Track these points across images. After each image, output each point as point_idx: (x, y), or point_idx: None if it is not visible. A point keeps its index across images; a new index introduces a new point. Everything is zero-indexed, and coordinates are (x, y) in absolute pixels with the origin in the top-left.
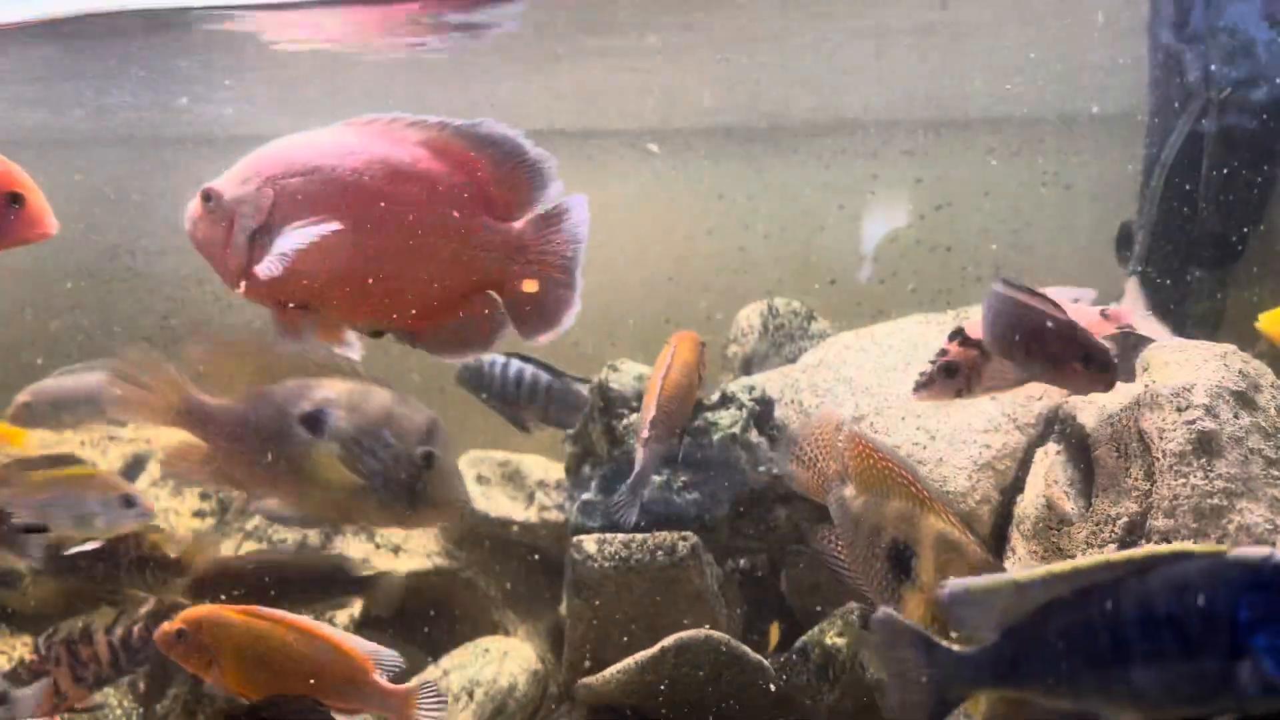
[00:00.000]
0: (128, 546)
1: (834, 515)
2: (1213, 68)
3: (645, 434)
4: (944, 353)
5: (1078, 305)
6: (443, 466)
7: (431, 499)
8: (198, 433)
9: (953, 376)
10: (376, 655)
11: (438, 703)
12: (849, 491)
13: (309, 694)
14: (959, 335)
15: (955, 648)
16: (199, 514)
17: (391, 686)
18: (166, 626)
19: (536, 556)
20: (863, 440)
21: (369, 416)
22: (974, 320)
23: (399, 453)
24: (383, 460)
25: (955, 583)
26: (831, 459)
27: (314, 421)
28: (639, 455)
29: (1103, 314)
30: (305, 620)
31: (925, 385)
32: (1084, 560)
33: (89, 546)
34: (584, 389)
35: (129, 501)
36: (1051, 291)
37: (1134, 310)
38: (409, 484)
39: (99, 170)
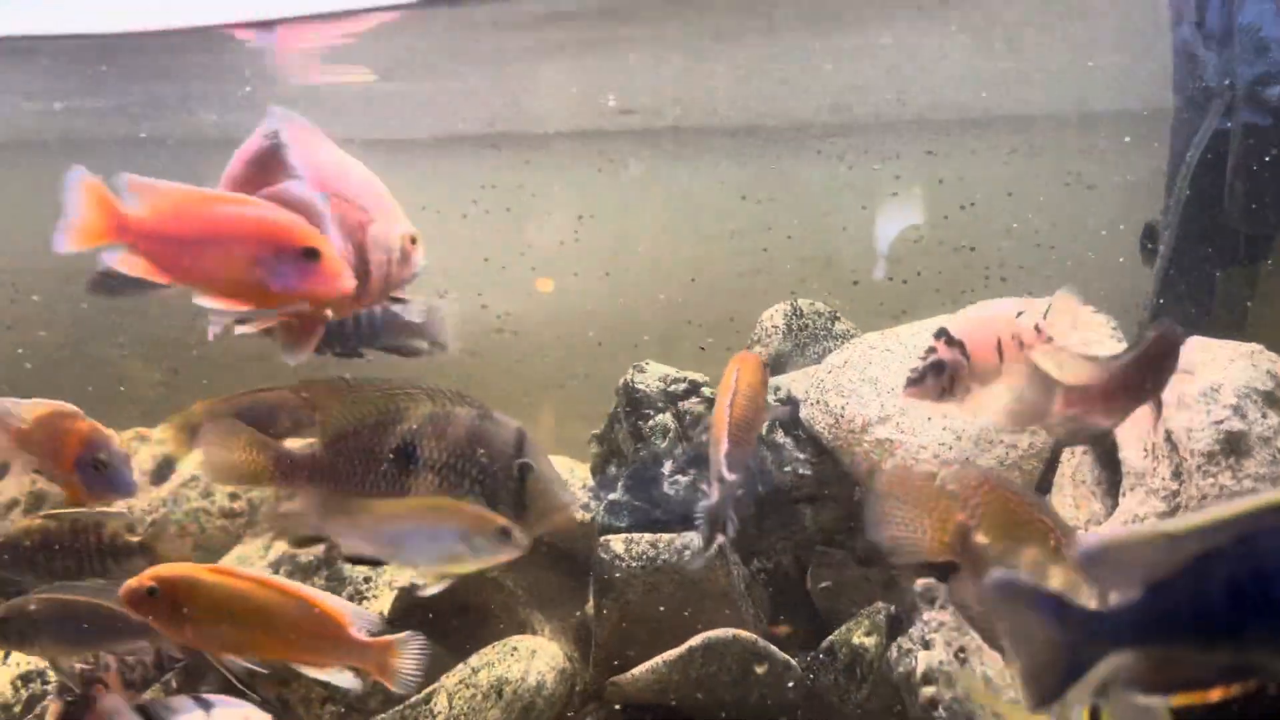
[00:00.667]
0: (89, 537)
1: (965, 567)
2: (1236, 65)
3: (725, 474)
4: (932, 350)
5: (1021, 318)
6: (540, 475)
7: (536, 510)
8: (297, 488)
9: (940, 375)
10: (353, 613)
11: (420, 653)
12: (981, 539)
13: (283, 650)
14: (944, 334)
15: (1090, 606)
16: (228, 514)
17: (368, 639)
18: (135, 583)
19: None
20: (994, 482)
21: (457, 440)
22: (960, 319)
23: (495, 471)
24: (480, 482)
25: (1089, 539)
26: (936, 509)
27: (404, 455)
28: (714, 491)
29: (1036, 328)
30: (278, 579)
31: (917, 382)
32: (1244, 503)
33: None
34: (412, 310)
35: (505, 534)
36: (1000, 303)
37: (1060, 324)
38: (511, 500)
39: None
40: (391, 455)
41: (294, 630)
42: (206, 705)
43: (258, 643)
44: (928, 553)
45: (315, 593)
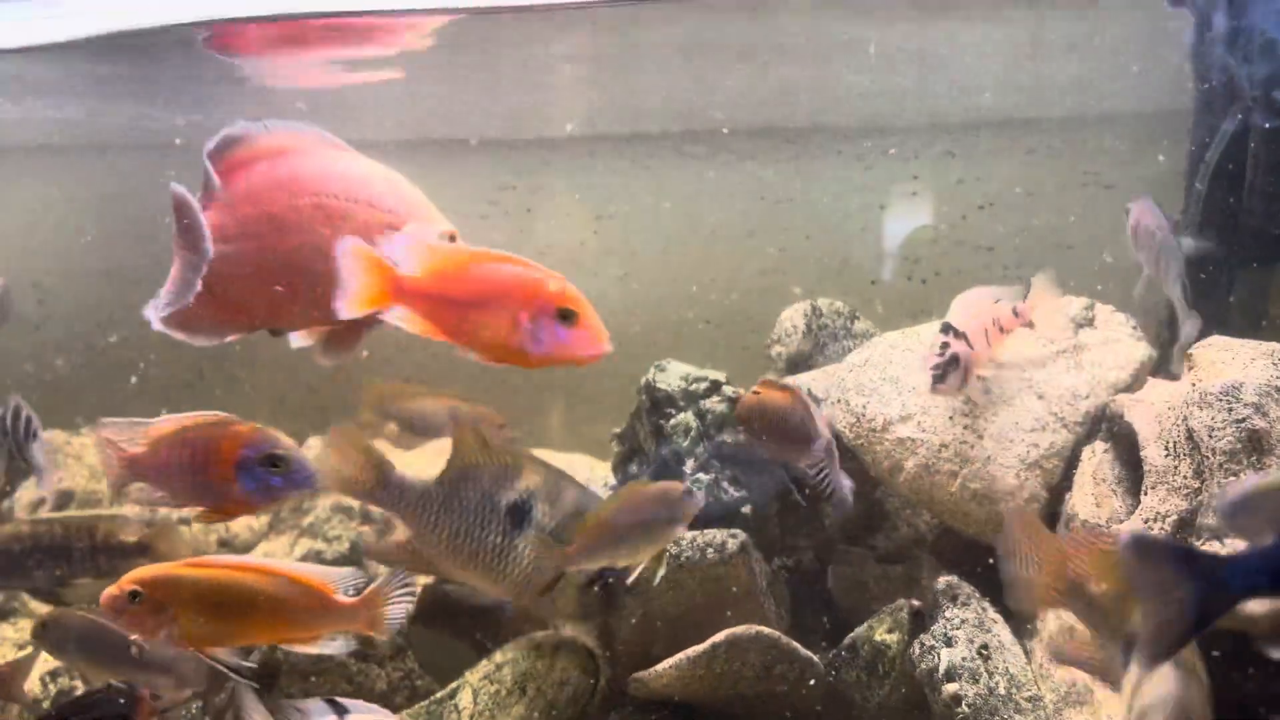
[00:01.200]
0: (81, 538)
1: (1082, 617)
2: (1246, 67)
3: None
4: (945, 346)
5: (999, 304)
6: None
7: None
8: (396, 512)
9: (958, 369)
10: (337, 577)
11: (406, 593)
12: (1094, 589)
13: (274, 631)
14: (951, 329)
15: (1221, 553)
16: None
17: (352, 599)
18: (115, 590)
19: None
20: (1105, 535)
21: (565, 511)
22: (955, 312)
23: None
24: None
25: (1232, 489)
26: (1052, 560)
27: (519, 512)
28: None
29: (1014, 311)
30: (254, 559)
31: (941, 379)
32: None
33: None
34: None
35: (690, 493)
36: (977, 292)
37: (1037, 306)
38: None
39: (143, 175)
40: (508, 509)
41: (285, 609)
42: (341, 710)
43: (251, 630)
44: (1036, 599)
45: (295, 566)
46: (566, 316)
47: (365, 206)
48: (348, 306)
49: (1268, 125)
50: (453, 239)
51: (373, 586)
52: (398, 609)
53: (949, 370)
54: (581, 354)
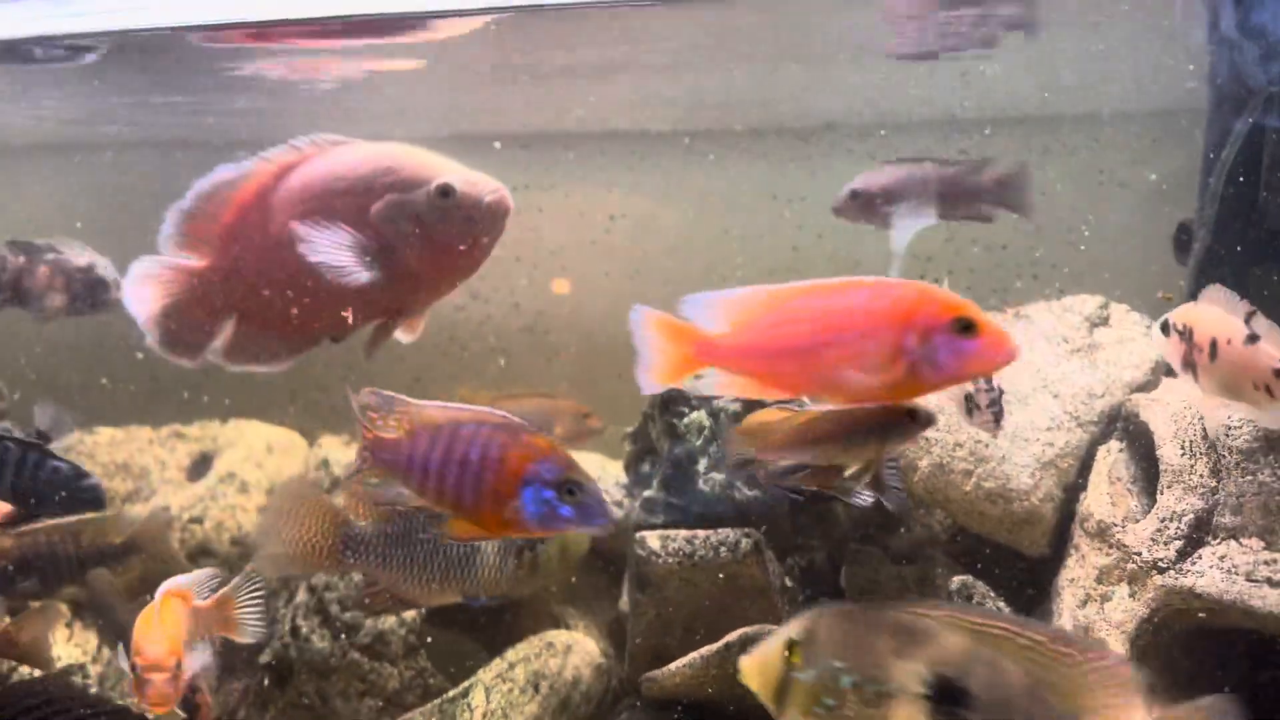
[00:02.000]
0: (66, 545)
1: None
2: (1252, 68)
3: None
4: (989, 379)
5: None
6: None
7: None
8: (364, 568)
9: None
10: (197, 581)
11: (254, 596)
12: None
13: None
14: None
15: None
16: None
17: (205, 602)
18: (162, 682)
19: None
20: None
21: None
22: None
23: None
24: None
25: None
26: None
27: None
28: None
29: None
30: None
31: (1001, 414)
32: None
33: None
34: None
35: (914, 414)
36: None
37: None
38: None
39: (156, 170)
40: None
41: (178, 629)
42: None
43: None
44: None
45: (167, 583)
46: (967, 327)
47: (349, 195)
48: (652, 382)
49: (1272, 126)
50: (446, 194)
51: (222, 590)
52: (252, 612)
53: (1003, 404)
54: (994, 364)
